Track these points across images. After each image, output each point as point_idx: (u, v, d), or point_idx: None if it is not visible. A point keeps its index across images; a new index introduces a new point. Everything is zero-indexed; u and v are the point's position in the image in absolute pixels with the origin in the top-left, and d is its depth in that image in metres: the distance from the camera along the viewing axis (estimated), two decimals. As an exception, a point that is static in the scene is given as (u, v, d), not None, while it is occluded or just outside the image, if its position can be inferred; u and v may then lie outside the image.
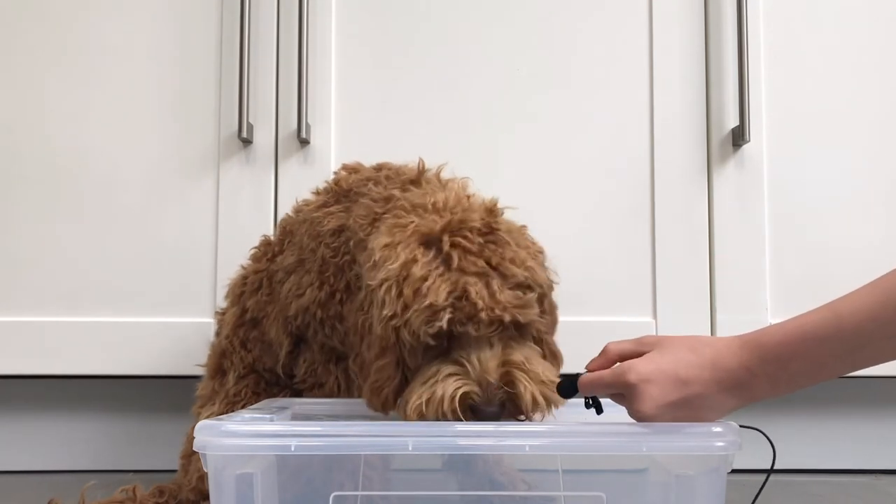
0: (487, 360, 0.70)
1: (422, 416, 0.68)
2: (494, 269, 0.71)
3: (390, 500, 0.79)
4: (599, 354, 0.75)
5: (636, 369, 0.68)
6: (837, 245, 1.22)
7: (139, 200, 1.21)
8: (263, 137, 1.21)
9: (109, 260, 1.21)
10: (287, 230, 0.93)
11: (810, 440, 1.28)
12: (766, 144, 1.22)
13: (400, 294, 0.69)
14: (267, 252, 0.95)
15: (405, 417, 0.70)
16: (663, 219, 1.21)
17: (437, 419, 0.68)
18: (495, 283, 0.70)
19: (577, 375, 0.74)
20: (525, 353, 0.72)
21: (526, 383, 0.69)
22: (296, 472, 0.72)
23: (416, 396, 0.69)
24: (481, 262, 0.71)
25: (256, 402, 0.91)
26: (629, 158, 1.23)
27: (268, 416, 0.72)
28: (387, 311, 0.69)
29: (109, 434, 1.26)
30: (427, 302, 0.68)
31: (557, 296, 0.85)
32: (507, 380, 0.70)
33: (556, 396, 0.72)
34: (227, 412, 0.90)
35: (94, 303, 1.20)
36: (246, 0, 1.19)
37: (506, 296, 0.70)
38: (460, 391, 0.68)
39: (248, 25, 1.20)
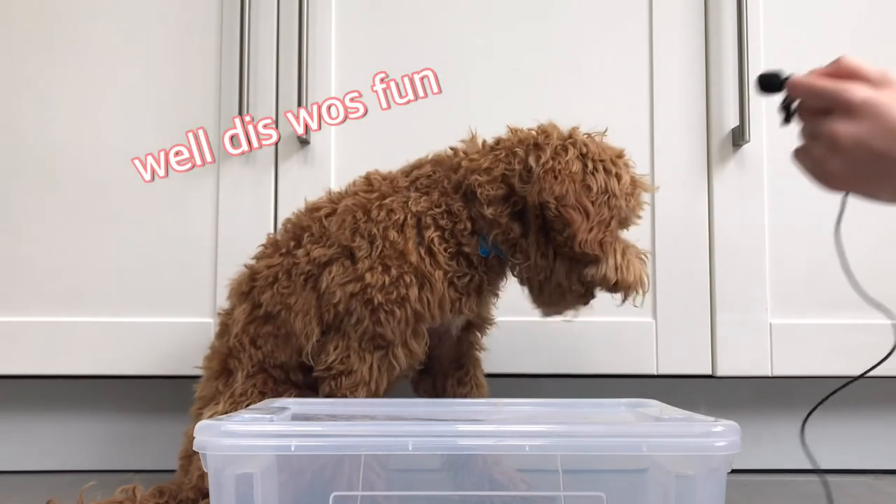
0: None
1: (642, 282, 0.91)
2: None
3: (390, 500, 0.79)
4: (830, 63, 0.67)
5: (867, 91, 0.60)
6: (837, 245, 1.22)
7: (139, 200, 1.21)
8: (263, 137, 1.22)
9: (109, 260, 1.21)
10: (303, 226, 0.94)
11: (810, 440, 1.27)
12: (766, 144, 1.22)
13: (632, 184, 0.90)
14: (279, 248, 0.95)
15: (634, 281, 0.89)
16: (663, 219, 1.21)
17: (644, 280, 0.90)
18: None
19: (787, 78, 0.71)
20: None
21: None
22: (296, 472, 0.72)
23: (641, 264, 0.91)
24: None
25: (261, 401, 0.91)
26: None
27: (268, 416, 0.72)
28: (628, 186, 0.89)
29: (109, 434, 1.26)
30: (641, 197, 0.92)
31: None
32: None
33: None
34: (231, 412, 0.90)
35: (94, 303, 1.20)
36: (246, 1, 1.20)
37: None
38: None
39: (248, 25, 1.20)
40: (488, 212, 0.88)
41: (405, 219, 0.89)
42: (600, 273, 0.87)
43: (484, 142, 0.93)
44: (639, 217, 0.92)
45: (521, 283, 0.94)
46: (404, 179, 0.93)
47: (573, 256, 0.86)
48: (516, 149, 0.89)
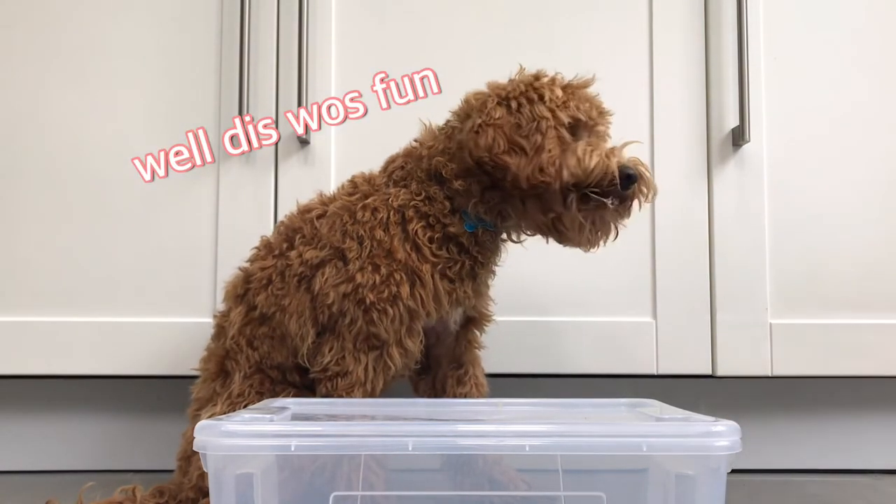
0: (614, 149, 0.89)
1: (590, 170, 0.86)
2: None
3: (390, 500, 0.79)
4: None
5: None
6: (837, 245, 1.22)
7: (139, 200, 1.21)
8: (263, 137, 1.22)
9: (109, 260, 1.21)
10: (295, 228, 0.95)
11: (810, 440, 1.28)
12: (766, 144, 1.22)
13: (564, 91, 0.90)
14: (272, 250, 0.95)
15: (582, 169, 0.86)
16: (663, 219, 1.21)
17: (612, 168, 0.86)
18: None
19: None
20: None
21: (642, 167, 0.89)
22: (296, 472, 0.72)
23: (596, 154, 0.87)
24: None
25: (259, 402, 0.91)
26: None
27: (268, 416, 0.72)
28: (557, 94, 0.89)
29: (109, 434, 1.26)
30: (584, 95, 0.91)
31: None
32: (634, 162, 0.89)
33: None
34: (229, 413, 0.90)
35: (94, 303, 1.20)
36: (246, 1, 1.20)
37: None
38: (615, 158, 0.87)
39: (248, 25, 1.20)
40: (458, 184, 0.89)
41: (389, 216, 0.90)
42: (567, 194, 0.86)
43: (437, 127, 0.96)
44: (597, 111, 0.91)
45: (542, 236, 0.94)
46: (382, 177, 0.95)
47: (535, 194, 0.87)
48: (454, 125, 0.92)
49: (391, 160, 0.96)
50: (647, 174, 0.89)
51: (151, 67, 1.23)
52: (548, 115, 0.88)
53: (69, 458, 1.25)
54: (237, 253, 1.03)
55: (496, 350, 1.11)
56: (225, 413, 0.90)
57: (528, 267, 1.16)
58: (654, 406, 0.85)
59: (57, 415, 1.26)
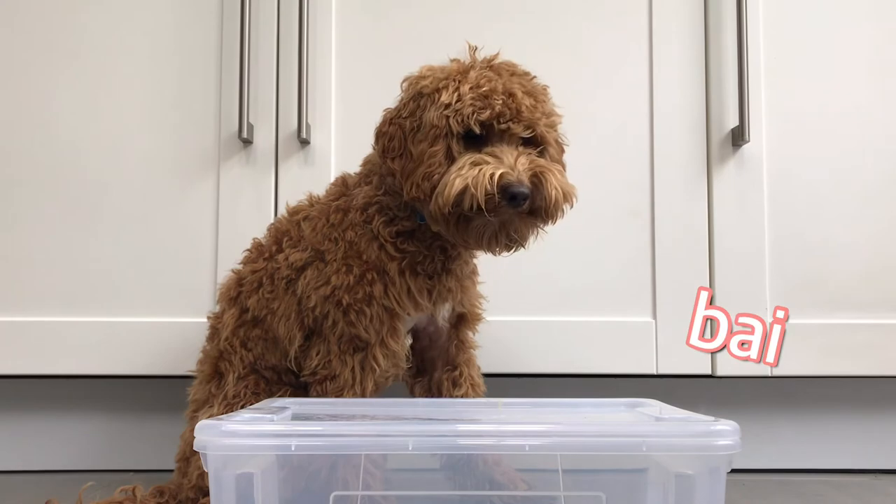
0: (517, 157, 0.80)
1: (461, 193, 0.78)
2: (528, 93, 0.83)
3: (390, 500, 0.79)
4: None
5: None
6: (837, 245, 1.22)
7: (139, 200, 1.21)
8: (264, 137, 1.21)
9: (109, 260, 1.20)
10: (283, 230, 0.95)
11: (810, 440, 1.28)
12: (766, 144, 1.22)
13: (457, 89, 0.81)
14: (263, 252, 0.95)
15: (444, 197, 0.79)
16: (663, 219, 1.21)
17: (478, 195, 0.77)
18: (533, 99, 0.83)
19: None
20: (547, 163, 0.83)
21: (551, 178, 0.80)
22: (296, 472, 0.73)
23: (461, 178, 0.78)
24: (524, 83, 0.84)
25: (256, 402, 0.91)
26: (629, 158, 1.23)
27: (268, 416, 0.72)
28: (444, 100, 0.81)
29: (109, 434, 1.26)
30: (482, 90, 0.81)
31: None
32: (535, 174, 0.79)
33: (574, 190, 0.83)
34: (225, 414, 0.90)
35: (94, 303, 1.20)
36: (246, 0, 1.20)
37: (541, 110, 0.84)
38: (499, 171, 0.78)
39: (248, 25, 1.20)
40: (390, 180, 0.87)
41: (356, 216, 0.89)
42: (440, 216, 0.80)
43: None
44: (514, 110, 0.81)
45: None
46: (356, 177, 0.94)
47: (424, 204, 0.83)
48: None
49: (364, 160, 0.95)
50: (546, 187, 0.79)
51: (152, 68, 1.23)
52: (439, 122, 0.80)
53: (69, 458, 1.25)
54: (237, 253, 1.03)
55: (495, 350, 1.11)
56: (222, 414, 0.90)
57: (527, 266, 1.16)
58: (654, 406, 0.85)
59: (57, 415, 1.26)
